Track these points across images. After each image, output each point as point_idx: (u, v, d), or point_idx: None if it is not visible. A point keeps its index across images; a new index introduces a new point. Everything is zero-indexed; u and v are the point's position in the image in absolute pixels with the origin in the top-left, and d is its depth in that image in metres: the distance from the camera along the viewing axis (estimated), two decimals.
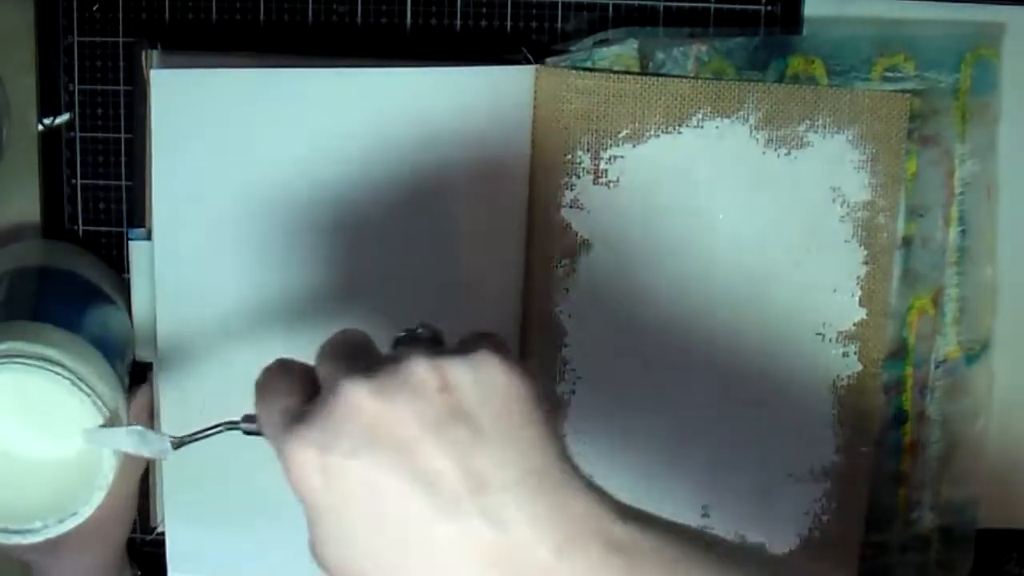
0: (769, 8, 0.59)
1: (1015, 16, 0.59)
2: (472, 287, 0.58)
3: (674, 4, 0.59)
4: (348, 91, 0.56)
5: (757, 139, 0.58)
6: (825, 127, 0.58)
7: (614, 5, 0.59)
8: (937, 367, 0.61)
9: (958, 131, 0.59)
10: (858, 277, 0.59)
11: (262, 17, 0.60)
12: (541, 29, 0.60)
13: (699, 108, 0.58)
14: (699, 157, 0.58)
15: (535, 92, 0.58)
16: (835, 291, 0.59)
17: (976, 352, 0.61)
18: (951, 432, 0.61)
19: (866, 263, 0.59)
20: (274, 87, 0.56)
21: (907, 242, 0.60)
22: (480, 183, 0.57)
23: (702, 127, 0.58)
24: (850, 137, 0.58)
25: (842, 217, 0.59)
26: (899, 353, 0.61)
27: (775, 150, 0.58)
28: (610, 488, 0.61)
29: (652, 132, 0.58)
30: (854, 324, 0.60)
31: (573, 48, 0.58)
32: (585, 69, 0.58)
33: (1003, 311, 0.61)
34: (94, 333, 0.54)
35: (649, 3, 0.59)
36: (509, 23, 0.60)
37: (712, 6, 0.59)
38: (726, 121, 0.58)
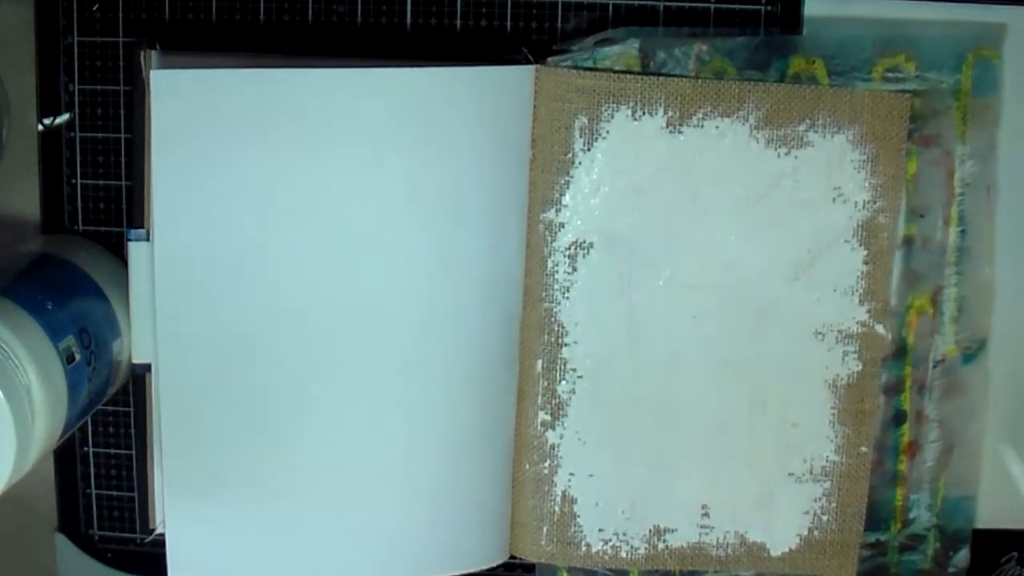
0: (769, 8, 0.59)
1: (1016, 16, 0.59)
2: (472, 287, 0.58)
3: (674, 4, 0.59)
4: (348, 91, 0.56)
5: (757, 139, 0.58)
6: (825, 127, 0.58)
7: (614, 5, 0.59)
8: (935, 366, 0.61)
9: (959, 132, 0.59)
10: (858, 277, 0.59)
11: (262, 17, 0.60)
12: (541, 29, 0.59)
13: (699, 107, 0.58)
14: (699, 156, 0.58)
15: (535, 92, 0.58)
16: (835, 291, 0.59)
17: (973, 351, 0.61)
18: (949, 432, 0.61)
19: (866, 263, 0.59)
20: (274, 87, 0.56)
21: (907, 242, 0.60)
22: (480, 183, 0.57)
23: (702, 126, 0.58)
24: (850, 137, 0.58)
25: (842, 217, 0.59)
26: (898, 353, 0.61)
27: (775, 150, 0.58)
28: (611, 488, 0.62)
29: (652, 132, 0.58)
30: (854, 324, 0.60)
31: (574, 48, 0.58)
32: (586, 69, 0.58)
33: (1001, 311, 0.61)
34: (69, 319, 0.54)
35: (649, 3, 0.59)
36: (509, 23, 0.59)
37: (712, 6, 0.59)
38: (726, 120, 0.58)
